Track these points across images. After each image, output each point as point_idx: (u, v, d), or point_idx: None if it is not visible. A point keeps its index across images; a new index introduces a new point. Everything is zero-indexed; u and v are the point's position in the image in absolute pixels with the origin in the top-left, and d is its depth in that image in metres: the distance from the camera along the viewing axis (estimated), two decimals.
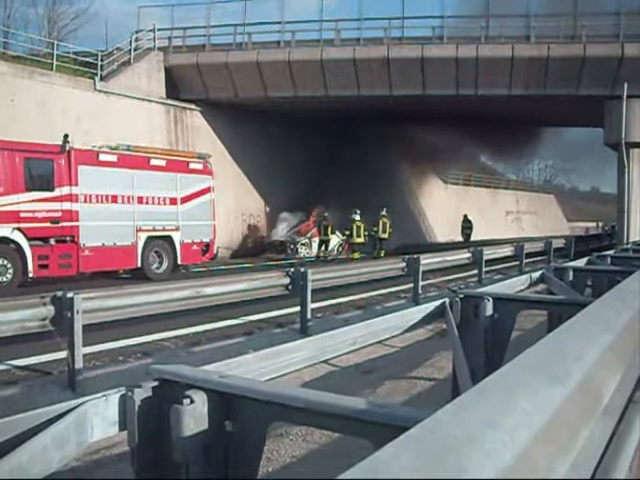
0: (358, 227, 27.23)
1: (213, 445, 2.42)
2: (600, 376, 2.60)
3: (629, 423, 3.20)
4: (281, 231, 29.85)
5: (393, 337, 4.90)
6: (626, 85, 23.24)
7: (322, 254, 27.12)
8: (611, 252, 11.68)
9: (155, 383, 2.54)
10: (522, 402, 1.70)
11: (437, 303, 4.90)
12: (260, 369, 2.95)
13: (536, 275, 7.29)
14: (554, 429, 1.86)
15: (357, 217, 27.33)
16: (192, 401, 2.34)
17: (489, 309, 4.75)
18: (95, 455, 4.96)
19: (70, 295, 6.99)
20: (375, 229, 27.55)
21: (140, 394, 2.47)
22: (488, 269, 17.69)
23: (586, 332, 2.68)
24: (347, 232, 27.61)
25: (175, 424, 2.35)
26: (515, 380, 1.86)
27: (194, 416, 2.35)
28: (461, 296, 4.92)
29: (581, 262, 9.56)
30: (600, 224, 57.26)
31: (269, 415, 2.38)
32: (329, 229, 27.68)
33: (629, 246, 15.49)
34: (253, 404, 2.36)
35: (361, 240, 27.40)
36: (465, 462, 1.32)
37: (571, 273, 7.54)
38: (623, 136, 24.10)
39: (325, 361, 6.98)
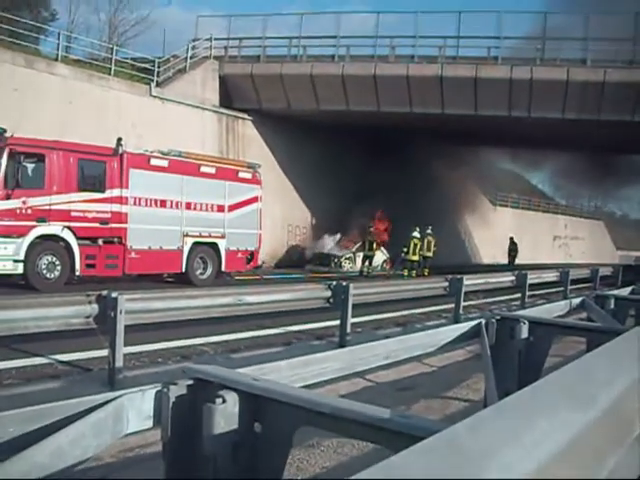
0: (415, 245, 27.14)
1: (242, 444, 2.49)
2: (630, 406, 2.60)
3: None
4: (327, 244, 29.89)
5: (428, 354, 4.92)
6: None
7: (365, 269, 27.10)
8: None
9: (190, 382, 2.63)
10: (541, 422, 1.72)
11: (473, 323, 4.91)
12: (292, 376, 3.02)
13: (576, 301, 7.23)
14: (577, 452, 1.88)
15: (416, 234, 27.25)
16: (224, 401, 2.42)
17: (524, 332, 4.74)
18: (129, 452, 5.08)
19: (115, 295, 7.11)
20: (422, 247, 27.45)
21: (175, 391, 2.56)
22: (532, 293, 17.47)
23: (617, 359, 2.68)
24: (405, 249, 27.52)
25: (207, 422, 2.43)
26: (537, 400, 1.87)
27: (225, 415, 2.43)
28: (498, 317, 4.93)
29: (625, 291, 9.44)
30: None
31: (297, 419, 2.44)
32: (374, 245, 27.66)
33: None
34: (282, 407, 2.43)
35: (416, 258, 27.29)
36: (479, 473, 1.35)
37: (612, 301, 7.45)
38: None
39: (359, 374, 7.04)
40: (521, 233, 47.14)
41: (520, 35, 27.21)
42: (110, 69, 23.87)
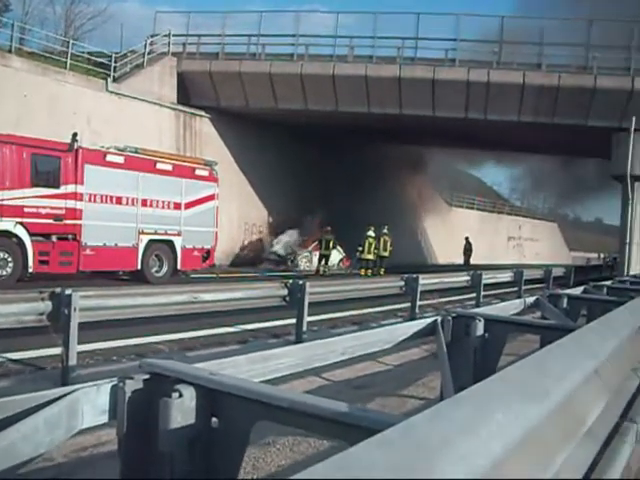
0: (370, 244, 27.28)
1: (198, 439, 2.47)
2: (582, 400, 2.64)
3: (615, 451, 3.24)
4: (284, 243, 29.87)
5: (384, 352, 4.95)
6: (634, 119, 23.37)
7: (322, 268, 27.16)
8: (608, 282, 11.71)
9: (146, 376, 2.60)
10: (497, 414, 1.74)
11: (429, 320, 4.95)
12: (250, 371, 3.01)
13: (530, 300, 7.34)
14: (531, 444, 1.90)
15: (371, 233, 27.41)
16: (181, 395, 2.40)
17: (480, 329, 4.80)
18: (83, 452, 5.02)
19: (68, 292, 7.03)
20: (377, 247, 27.61)
21: (131, 386, 2.53)
22: (486, 293, 17.69)
23: (569, 356, 2.72)
24: (360, 248, 27.62)
25: (163, 416, 2.41)
26: (492, 394, 1.89)
27: (182, 410, 2.41)
28: (453, 315, 4.98)
29: (577, 290, 9.60)
30: (602, 255, 57.24)
31: (254, 413, 2.43)
32: (330, 244, 27.72)
33: (627, 278, 15.53)
34: (239, 402, 2.42)
35: (371, 257, 27.45)
36: (436, 464, 1.36)
37: (565, 300, 7.58)
38: (629, 169, 24.20)
39: (316, 372, 7.05)
40: (476, 234, 47.67)
41: (478, 38, 27.39)
42: (66, 63, 23.50)
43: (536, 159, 43.58)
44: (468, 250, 43.62)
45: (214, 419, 2.51)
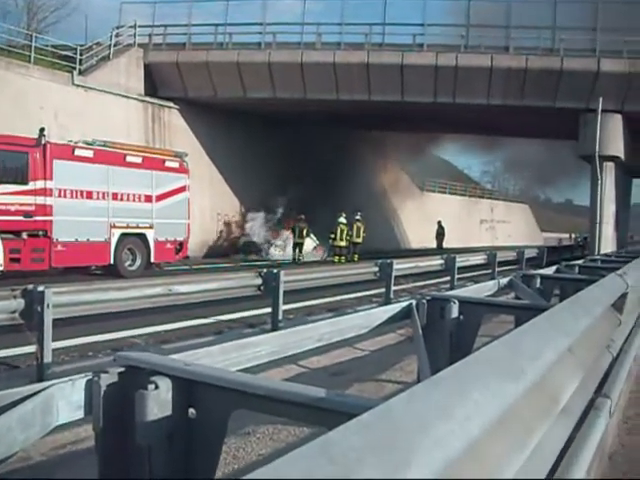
0: (342, 230, 27.29)
1: (176, 431, 2.46)
2: (557, 377, 2.67)
3: (590, 427, 3.28)
4: (255, 231, 29.82)
5: (360, 337, 4.96)
6: (601, 99, 23.60)
7: (296, 256, 27.17)
8: (580, 262, 11.84)
9: (121, 369, 2.58)
10: (474, 395, 1.75)
11: (404, 304, 4.97)
12: (225, 361, 2.99)
13: (504, 281, 7.39)
14: (507, 424, 1.92)
15: (343, 220, 27.41)
16: (157, 387, 2.38)
17: (455, 311, 4.83)
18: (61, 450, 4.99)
19: (41, 289, 6.95)
20: (350, 233, 27.63)
21: (106, 379, 2.51)
22: (461, 276, 17.79)
23: (543, 334, 2.74)
24: (332, 235, 27.63)
25: (139, 409, 2.39)
26: (468, 374, 1.90)
27: (158, 402, 2.39)
28: (428, 298, 5.00)
29: (549, 270, 9.70)
30: (573, 235, 57.80)
31: (232, 402, 2.43)
32: (304, 232, 27.71)
33: (598, 257, 15.72)
34: (216, 391, 2.41)
35: (344, 244, 27.47)
36: (414, 446, 1.36)
37: (538, 280, 7.66)
38: (597, 149, 24.47)
39: (292, 359, 7.06)
40: (449, 217, 47.90)
41: (445, 22, 27.42)
42: (30, 57, 23.16)
43: (506, 142, 43.86)
44: (441, 234, 43.89)
45: (191, 410, 2.50)
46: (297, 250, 27.53)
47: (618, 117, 24.80)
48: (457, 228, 49.68)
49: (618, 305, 5.16)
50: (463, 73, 24.99)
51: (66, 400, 2.47)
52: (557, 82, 24.32)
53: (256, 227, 29.89)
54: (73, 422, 2.61)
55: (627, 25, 24.58)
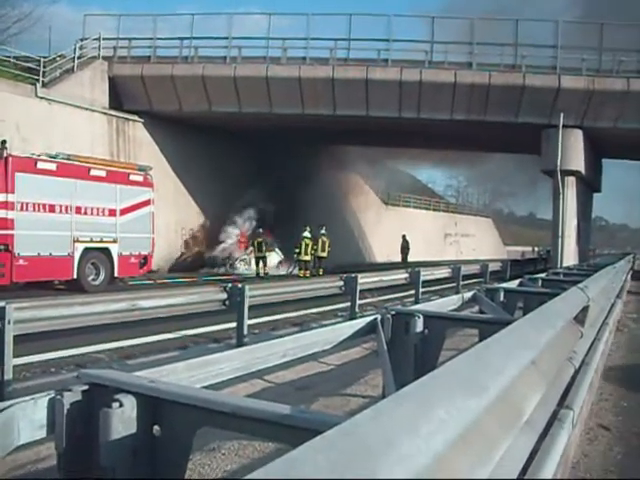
0: (307, 245, 27.28)
1: (141, 449, 2.44)
2: (520, 391, 2.70)
3: (553, 438, 3.32)
4: (222, 247, 29.78)
5: (326, 351, 4.96)
6: (562, 115, 24.02)
7: (260, 271, 27.14)
8: (543, 275, 11.98)
9: (85, 387, 2.54)
10: (439, 411, 1.76)
11: (369, 319, 4.99)
12: (190, 377, 2.98)
13: (468, 295, 7.45)
14: (472, 438, 1.93)
15: (307, 234, 27.41)
16: (121, 405, 2.36)
17: (419, 326, 4.86)
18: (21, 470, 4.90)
19: (2, 304, 6.84)
20: (315, 247, 27.65)
21: (70, 398, 2.48)
22: (425, 290, 17.88)
23: (506, 348, 2.77)
24: (297, 249, 27.60)
25: (103, 428, 2.36)
26: (433, 390, 1.91)
27: (123, 420, 2.37)
28: (392, 312, 5.02)
29: (513, 284, 9.80)
30: (536, 249, 58.44)
31: (197, 420, 2.41)
32: (263, 246, 27.64)
33: (560, 270, 15.93)
34: (181, 409, 2.39)
35: (309, 258, 27.45)
36: (378, 464, 1.37)
37: (502, 294, 7.74)
38: (559, 164, 24.87)
39: (257, 374, 7.03)
40: (413, 231, 48.16)
41: (409, 38, 27.70)
42: None
43: (470, 156, 44.30)
44: (405, 248, 44.06)
45: (156, 427, 2.48)
46: (261, 264, 27.49)
47: (579, 132, 25.27)
48: (421, 242, 49.96)
49: (580, 318, 5.24)
50: (427, 88, 25.26)
51: (28, 419, 2.43)
52: (519, 98, 24.72)
53: (222, 241, 29.86)
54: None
55: (585, 44, 25.16)
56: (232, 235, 30.35)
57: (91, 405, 2.49)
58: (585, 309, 5.41)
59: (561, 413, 3.74)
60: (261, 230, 28.06)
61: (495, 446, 2.14)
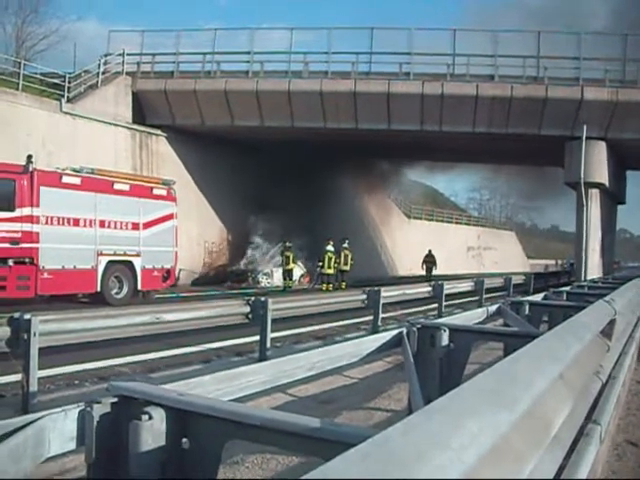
0: (330, 258, 27.26)
1: (170, 462, 2.44)
2: (549, 405, 2.67)
3: (580, 454, 3.28)
4: (247, 260, 29.88)
5: (350, 364, 4.94)
6: (585, 127, 23.88)
7: (286, 284, 27.17)
8: (567, 288, 11.88)
9: (114, 399, 2.55)
10: (470, 424, 1.75)
11: (394, 332, 4.97)
12: (217, 390, 2.97)
13: (493, 308, 7.40)
14: (502, 453, 1.92)
15: (330, 248, 27.38)
16: (150, 417, 2.36)
17: (445, 339, 4.83)
18: None
19: (27, 317, 6.89)
20: (337, 261, 27.64)
21: (99, 410, 2.48)
22: (448, 303, 17.80)
23: (535, 361, 2.75)
24: (320, 263, 27.61)
25: (133, 440, 2.37)
26: (463, 403, 1.90)
27: (152, 432, 2.37)
28: (418, 326, 5.00)
29: (538, 297, 9.73)
30: (559, 262, 58.04)
31: (225, 433, 2.41)
32: (291, 259, 27.72)
33: (585, 283, 15.78)
34: (210, 422, 2.39)
35: (332, 272, 27.42)
36: (413, 476, 1.36)
37: (527, 307, 7.68)
38: (582, 176, 24.71)
39: (281, 388, 7.02)
40: (435, 245, 47.94)
41: (431, 52, 27.65)
42: (18, 84, 23.22)
43: (492, 169, 44.15)
44: (430, 262, 43.79)
45: (184, 440, 2.48)
46: (287, 277, 27.55)
47: (602, 144, 25.09)
48: (443, 255, 49.74)
49: (606, 331, 5.18)
50: (449, 101, 25.24)
51: (58, 431, 2.44)
52: (542, 110, 24.61)
53: (250, 254, 30.00)
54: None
55: (608, 55, 25.02)
56: (255, 249, 30.41)
57: (120, 417, 2.50)
58: (612, 322, 5.35)
59: (588, 428, 3.70)
60: (287, 244, 28.08)
61: (525, 460, 2.12)
